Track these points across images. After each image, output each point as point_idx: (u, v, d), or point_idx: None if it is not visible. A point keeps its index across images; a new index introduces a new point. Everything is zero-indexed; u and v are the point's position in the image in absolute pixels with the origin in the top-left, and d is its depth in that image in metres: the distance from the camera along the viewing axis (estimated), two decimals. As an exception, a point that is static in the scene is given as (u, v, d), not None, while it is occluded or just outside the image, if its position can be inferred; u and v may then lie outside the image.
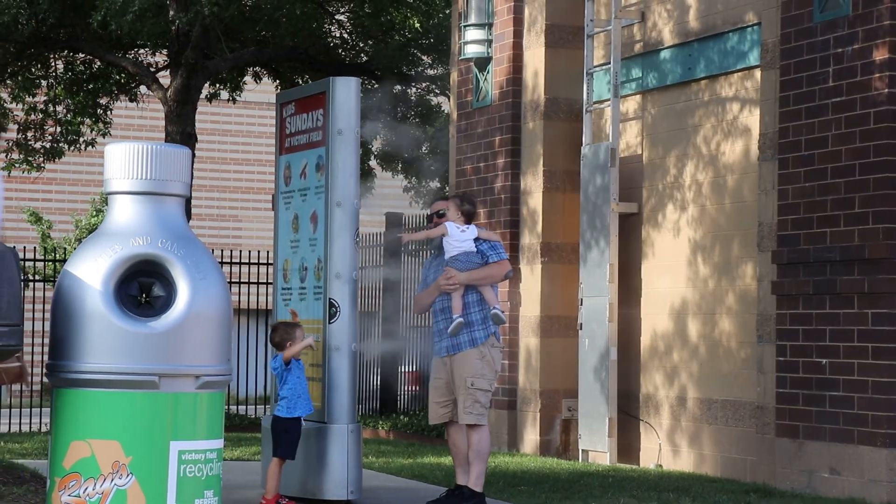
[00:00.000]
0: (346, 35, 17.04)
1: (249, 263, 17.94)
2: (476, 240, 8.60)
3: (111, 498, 3.58)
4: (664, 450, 11.93)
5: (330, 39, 16.76)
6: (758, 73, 11.03)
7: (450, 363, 8.47)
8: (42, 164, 16.88)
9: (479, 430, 8.35)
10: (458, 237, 8.56)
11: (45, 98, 16.52)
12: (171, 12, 14.35)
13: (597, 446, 12.11)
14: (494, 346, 8.52)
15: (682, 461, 11.73)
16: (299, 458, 8.51)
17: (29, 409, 16.73)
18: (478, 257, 8.55)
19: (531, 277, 12.99)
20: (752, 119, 11.20)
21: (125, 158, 3.77)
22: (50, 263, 19.35)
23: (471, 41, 13.48)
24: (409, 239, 8.67)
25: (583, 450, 12.29)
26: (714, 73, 11.62)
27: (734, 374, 11.28)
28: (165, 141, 14.90)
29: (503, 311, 8.70)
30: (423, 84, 17.51)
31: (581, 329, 12.38)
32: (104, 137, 16.73)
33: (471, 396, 8.35)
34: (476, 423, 8.33)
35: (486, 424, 8.45)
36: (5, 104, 16.46)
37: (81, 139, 16.78)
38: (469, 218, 8.67)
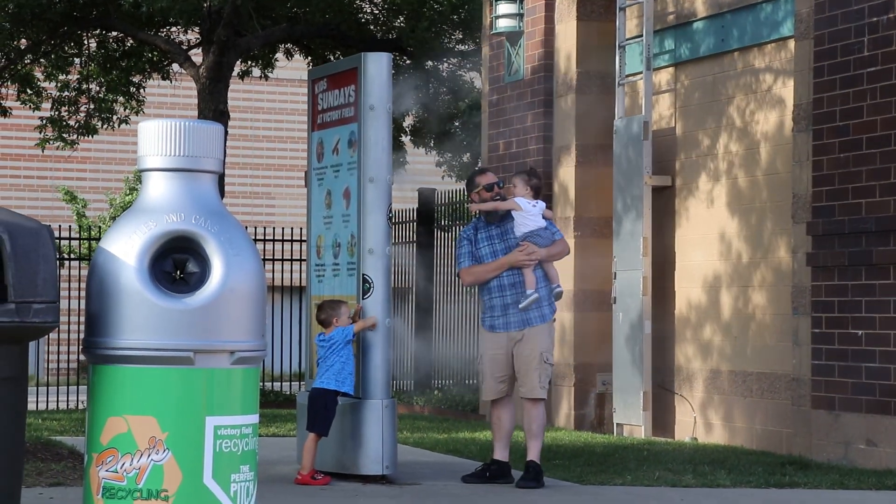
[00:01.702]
0: (377, 11, 17.01)
1: (283, 240, 17.99)
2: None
3: (148, 473, 3.60)
4: (699, 423, 11.92)
5: (361, 15, 16.74)
6: (791, 44, 10.95)
7: (519, 338, 8.51)
8: (76, 141, 16.95)
9: (542, 404, 8.51)
10: (532, 212, 8.60)
11: (79, 76, 16.58)
12: (203, -10, 14.37)
13: (631, 420, 12.10)
14: (554, 322, 8.67)
15: (717, 434, 11.71)
16: (334, 433, 8.54)
17: (67, 387, 16.86)
18: (549, 233, 8.63)
19: (564, 251, 12.98)
20: (785, 90, 11.13)
21: (158, 135, 3.78)
22: (85, 242, 19.46)
23: (502, 15, 13.44)
24: (476, 209, 8.68)
25: (617, 423, 12.29)
26: (747, 45, 11.55)
27: (769, 346, 11.24)
28: (198, 118, 14.93)
29: (562, 287, 8.82)
30: (455, 59, 17.48)
31: (615, 303, 12.37)
32: (137, 115, 16.79)
33: (545, 371, 8.48)
34: (544, 398, 8.47)
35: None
36: (39, 82, 16.53)
37: (115, 116, 16.84)
38: (537, 193, 8.71)
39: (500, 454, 8.53)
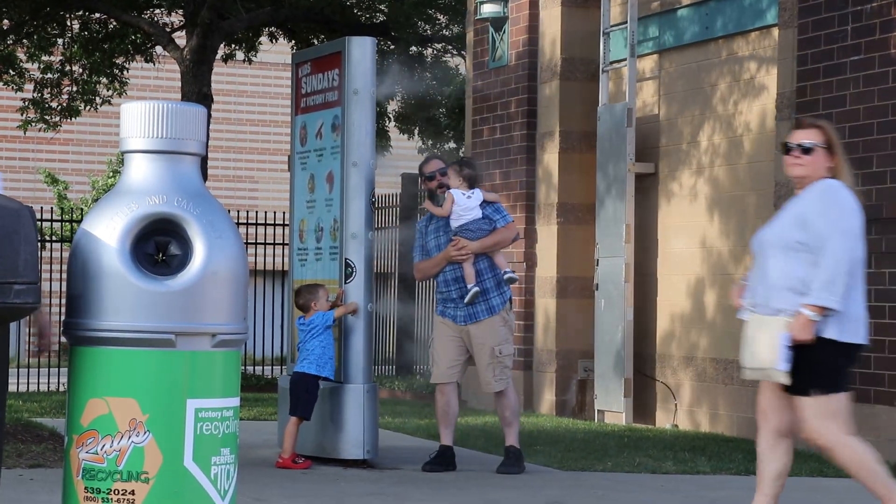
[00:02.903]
0: (362, -6, 16.97)
1: (266, 224, 17.96)
2: (481, 203, 8.55)
3: (128, 455, 3.60)
4: (680, 410, 11.95)
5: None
6: (775, 32, 10.97)
7: (468, 331, 8.48)
8: (58, 123, 16.89)
9: (508, 392, 8.45)
10: (465, 204, 8.47)
11: (61, 57, 16.52)
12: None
13: (613, 406, 12.13)
14: (510, 311, 8.57)
15: (698, 421, 11.74)
16: (316, 417, 8.54)
17: (47, 369, 16.83)
18: (486, 223, 8.49)
19: (547, 238, 12.98)
20: (769, 78, 11.15)
21: (141, 117, 3.77)
22: (66, 224, 19.40)
23: (487, 0, 13.42)
24: (429, 212, 8.64)
25: (599, 410, 12.31)
26: (731, 32, 11.56)
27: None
28: (182, 101, 14.88)
29: (514, 271, 8.71)
30: (440, 45, 17.46)
31: (597, 289, 12.38)
32: (120, 97, 16.73)
33: (499, 364, 8.43)
34: (505, 388, 8.41)
35: (511, 382, 8.55)
36: (21, 63, 16.46)
37: (98, 98, 16.79)
38: (471, 182, 8.57)
39: (448, 439, 8.51)
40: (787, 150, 6.02)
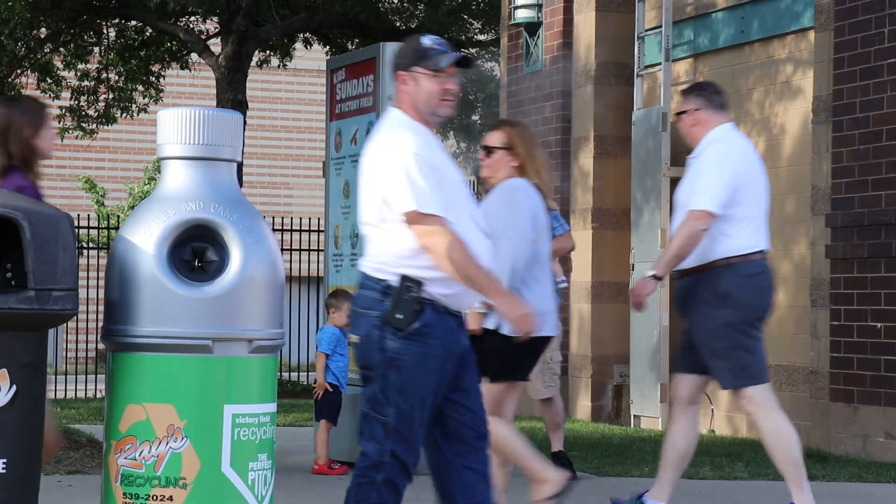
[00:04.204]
0: (396, 1, 17.00)
1: (301, 230, 18.00)
2: None
3: (166, 461, 3.61)
4: (718, 415, 11.90)
5: (381, 5, 16.73)
6: (811, 35, 10.91)
7: None
8: (95, 130, 16.98)
9: (557, 398, 8.61)
10: None
11: (98, 65, 16.61)
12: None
13: (648, 412, 12.09)
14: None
15: (735, 426, 11.69)
16: (350, 424, 8.55)
17: (85, 376, 16.91)
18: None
19: (582, 243, 12.96)
20: (805, 81, 11.09)
21: (177, 123, 3.78)
22: (104, 231, 19.50)
23: (521, 5, 13.42)
24: None
25: (635, 415, 12.27)
26: (767, 36, 11.51)
27: (788, 338, 11.21)
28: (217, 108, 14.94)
29: (565, 280, 8.81)
30: (475, 49, 17.46)
31: (633, 294, 12.35)
32: (156, 104, 16.81)
33: (549, 371, 8.55)
34: (553, 395, 8.55)
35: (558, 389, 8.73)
36: (58, 71, 16.57)
37: (134, 106, 16.87)
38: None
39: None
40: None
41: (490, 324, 6.06)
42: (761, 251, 6.45)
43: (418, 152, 4.67)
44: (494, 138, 6.25)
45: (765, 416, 6.41)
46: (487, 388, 6.01)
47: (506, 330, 5.98)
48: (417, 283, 4.64)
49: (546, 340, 6.22)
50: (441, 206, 4.64)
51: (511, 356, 6.12)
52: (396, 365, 4.63)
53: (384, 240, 4.69)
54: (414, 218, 4.63)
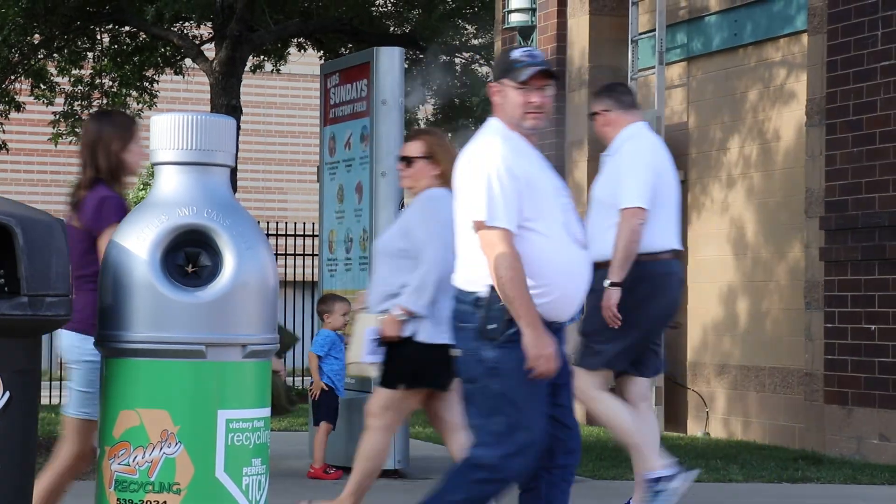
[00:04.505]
0: (390, 5, 17.01)
1: (295, 235, 17.99)
2: None
3: (160, 466, 3.61)
4: (713, 418, 11.90)
5: (374, 9, 16.74)
6: (805, 38, 10.93)
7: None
8: (89, 137, 16.95)
9: None
10: None
11: (92, 71, 16.61)
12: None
13: (644, 415, 12.08)
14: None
15: (730, 429, 11.70)
16: (346, 428, 8.55)
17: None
18: None
19: (577, 246, 12.96)
20: (798, 84, 11.11)
21: (170, 129, 3.79)
22: (98, 236, 19.45)
23: (515, 9, 13.43)
24: None
25: (630, 418, 12.27)
26: (760, 39, 11.52)
27: (782, 341, 11.22)
28: (211, 113, 14.96)
29: None
30: (468, 54, 17.47)
31: (627, 297, 12.35)
32: (150, 110, 16.81)
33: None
34: None
35: None
36: (52, 77, 16.56)
37: (128, 111, 16.86)
38: None
39: None
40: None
41: (406, 331, 6.14)
42: (671, 251, 6.55)
43: (503, 162, 4.72)
44: (413, 148, 6.29)
45: (595, 402, 6.63)
46: (389, 393, 6.24)
47: (421, 337, 6.10)
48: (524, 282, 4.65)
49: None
50: (511, 219, 4.68)
51: (423, 364, 6.18)
52: (496, 373, 4.68)
53: (473, 251, 4.75)
54: (480, 227, 4.70)
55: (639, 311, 6.46)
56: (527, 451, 4.73)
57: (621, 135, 6.72)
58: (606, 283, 6.42)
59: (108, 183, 5.17)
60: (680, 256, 6.71)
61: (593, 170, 12.90)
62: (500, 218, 4.67)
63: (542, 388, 4.75)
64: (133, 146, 5.24)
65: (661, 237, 6.53)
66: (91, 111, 16.71)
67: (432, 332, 6.11)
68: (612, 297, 6.41)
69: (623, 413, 6.56)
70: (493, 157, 4.74)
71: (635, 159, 6.55)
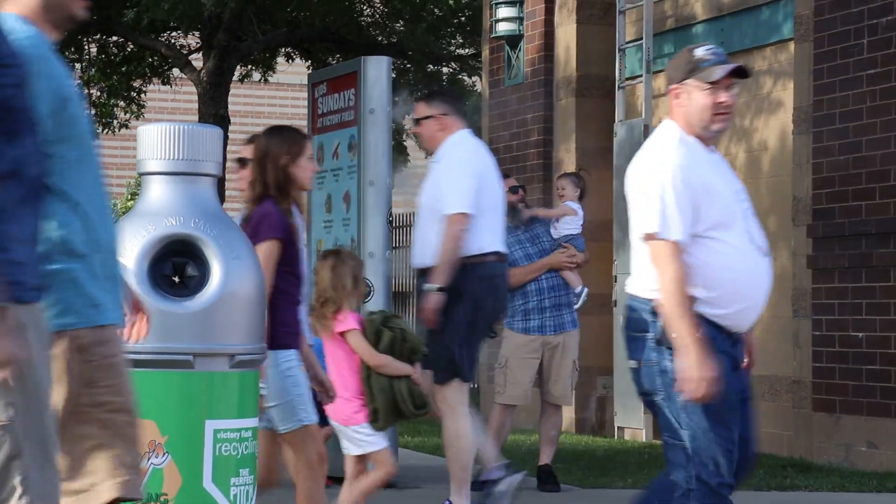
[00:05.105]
0: (377, 15, 17.03)
1: (284, 244, 17.97)
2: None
3: (147, 476, 3.61)
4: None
5: (362, 19, 16.76)
6: (791, 46, 10.96)
7: (554, 343, 8.55)
8: (76, 147, 16.95)
9: (562, 410, 8.62)
10: (581, 217, 8.80)
11: (79, 81, 16.60)
12: (203, -5, 14.38)
13: (632, 423, 12.09)
14: None
15: (719, 437, 11.70)
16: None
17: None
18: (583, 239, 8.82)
19: (565, 255, 12.97)
20: (785, 93, 11.13)
21: (158, 139, 3.79)
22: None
23: (502, 19, 13.45)
24: (543, 215, 8.93)
25: (618, 427, 12.27)
26: (747, 47, 11.55)
27: (770, 348, 11.23)
28: (199, 123, 14.96)
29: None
30: (456, 63, 17.49)
31: (616, 306, 12.36)
32: (138, 119, 16.80)
33: (574, 377, 8.59)
34: (572, 403, 8.68)
35: None
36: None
37: (115, 121, 16.86)
38: (582, 196, 8.88)
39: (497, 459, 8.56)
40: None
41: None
42: (496, 252, 6.70)
43: (680, 172, 4.49)
44: (249, 151, 6.22)
45: (452, 416, 6.71)
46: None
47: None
48: (689, 300, 4.43)
49: None
50: (682, 231, 4.45)
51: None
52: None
53: (648, 259, 4.56)
54: (651, 238, 4.50)
55: (476, 312, 6.61)
56: (715, 468, 4.48)
57: (447, 141, 6.88)
58: (428, 286, 6.57)
59: (276, 198, 5.01)
60: (504, 259, 6.89)
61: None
62: (671, 230, 4.45)
63: (734, 397, 4.50)
64: (302, 160, 5.16)
65: (487, 240, 6.69)
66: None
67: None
68: (432, 300, 6.55)
69: (470, 441, 6.66)
70: (667, 165, 4.53)
71: (460, 166, 6.72)
